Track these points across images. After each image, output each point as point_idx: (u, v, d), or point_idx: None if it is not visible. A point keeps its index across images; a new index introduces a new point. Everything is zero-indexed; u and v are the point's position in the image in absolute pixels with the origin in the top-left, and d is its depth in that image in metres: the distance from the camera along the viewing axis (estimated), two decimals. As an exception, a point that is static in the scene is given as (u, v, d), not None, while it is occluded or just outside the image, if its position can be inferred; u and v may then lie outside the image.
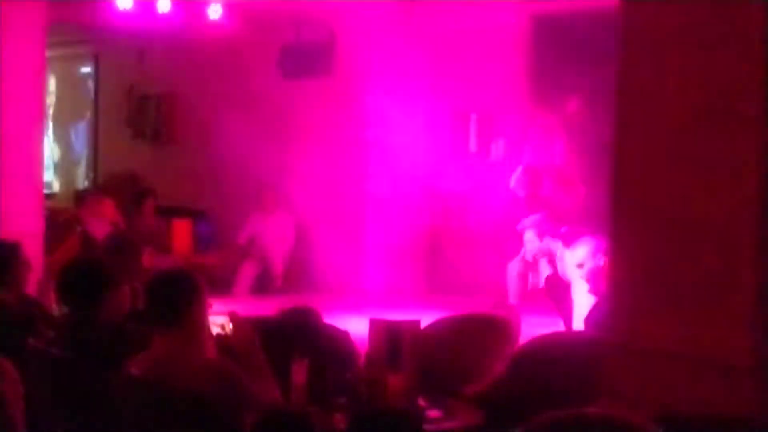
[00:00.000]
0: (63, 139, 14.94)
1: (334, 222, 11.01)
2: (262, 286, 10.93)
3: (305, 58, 11.03)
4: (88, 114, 14.57)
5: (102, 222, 10.29)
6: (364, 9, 10.63)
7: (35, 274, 6.24)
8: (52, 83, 14.16)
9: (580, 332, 7.41)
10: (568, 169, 8.83)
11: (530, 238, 8.29)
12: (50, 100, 14.16)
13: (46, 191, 10.00)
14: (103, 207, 10.61)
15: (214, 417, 3.63)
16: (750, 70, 4.04)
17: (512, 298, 8.40)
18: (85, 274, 4.33)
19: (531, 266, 8.26)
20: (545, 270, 7.96)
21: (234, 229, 11.28)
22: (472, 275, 10.13)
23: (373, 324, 4.47)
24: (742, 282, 4.05)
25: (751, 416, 3.62)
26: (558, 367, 4.75)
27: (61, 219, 10.94)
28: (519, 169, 8.89)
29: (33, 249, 7.23)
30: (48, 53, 8.95)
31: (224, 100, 11.95)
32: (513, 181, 8.88)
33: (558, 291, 6.92)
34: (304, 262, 11.26)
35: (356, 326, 5.34)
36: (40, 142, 8.85)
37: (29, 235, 7.68)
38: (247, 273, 11.01)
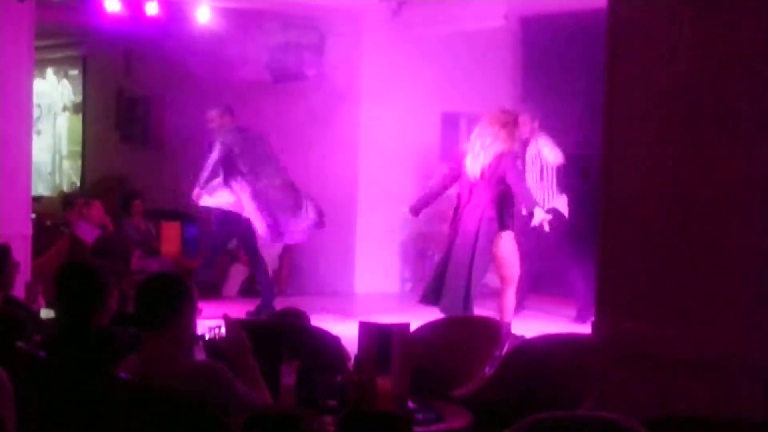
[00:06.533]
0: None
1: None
2: (252, 289, 10.92)
3: (294, 60, 11.02)
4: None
5: (90, 225, 10.28)
6: (353, 11, 10.64)
7: (23, 277, 6.23)
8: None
9: (568, 335, 7.43)
10: None
11: None
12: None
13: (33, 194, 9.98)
14: (91, 210, 10.60)
15: (203, 419, 3.62)
16: (742, 61, 4.06)
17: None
18: (82, 280, 4.32)
19: None
20: None
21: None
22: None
23: (363, 327, 4.47)
24: (732, 285, 4.07)
25: (742, 417, 3.64)
26: (546, 369, 4.75)
27: (49, 222, 10.94)
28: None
29: (21, 252, 7.22)
30: (36, 56, 8.92)
31: (213, 103, 11.92)
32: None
33: None
34: (294, 265, 11.25)
35: (346, 329, 5.34)
36: (28, 144, 8.82)
37: (18, 237, 7.67)
38: (236, 276, 11.00)
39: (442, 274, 7.84)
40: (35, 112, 14.62)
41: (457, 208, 7.94)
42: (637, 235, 4.41)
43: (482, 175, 7.67)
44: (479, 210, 7.69)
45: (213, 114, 9.82)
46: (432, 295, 7.86)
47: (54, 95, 14.74)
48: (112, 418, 3.79)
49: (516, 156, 7.99)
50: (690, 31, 4.23)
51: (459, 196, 7.92)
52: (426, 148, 11.00)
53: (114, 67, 13.47)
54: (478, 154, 7.67)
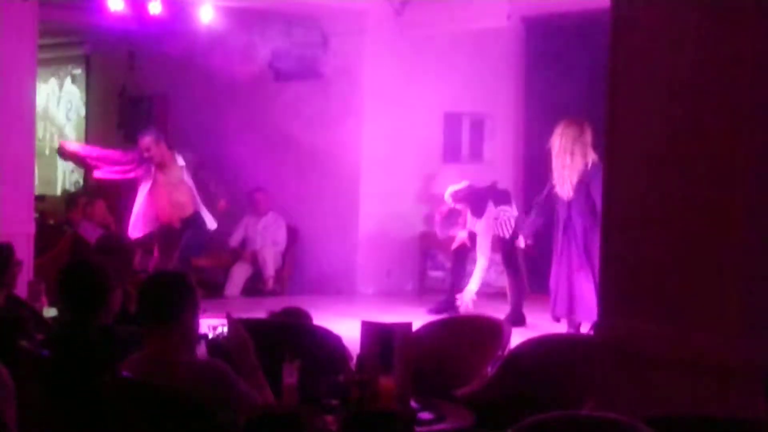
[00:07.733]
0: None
1: (327, 224, 11.01)
2: (254, 288, 10.93)
3: (297, 59, 11.02)
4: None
5: (93, 224, 10.29)
6: (356, 11, 10.64)
7: (25, 276, 6.24)
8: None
9: (569, 335, 7.45)
10: None
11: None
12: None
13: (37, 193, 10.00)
14: (94, 209, 10.61)
15: (205, 418, 3.63)
16: (746, 60, 4.06)
17: None
18: (85, 279, 4.33)
19: None
20: None
21: (226, 231, 11.28)
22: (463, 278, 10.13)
23: (365, 326, 4.48)
24: (731, 285, 4.07)
25: (741, 417, 3.64)
26: (548, 369, 4.76)
27: (52, 221, 10.94)
28: None
29: (24, 250, 7.23)
30: (39, 56, 8.93)
31: (216, 102, 11.95)
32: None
33: None
34: (296, 265, 11.26)
35: (348, 329, 5.35)
36: (31, 143, 8.82)
37: (21, 236, 7.68)
38: (239, 275, 11.00)
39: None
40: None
41: (559, 229, 8.36)
42: (639, 236, 4.42)
43: (574, 191, 8.11)
44: (578, 223, 8.09)
45: (147, 141, 9.69)
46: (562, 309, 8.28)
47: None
48: (115, 417, 3.80)
49: (595, 166, 8.06)
50: (694, 29, 4.23)
51: (558, 217, 8.38)
52: (429, 148, 11.01)
53: (117, 66, 13.48)
54: (564, 177, 8.14)
